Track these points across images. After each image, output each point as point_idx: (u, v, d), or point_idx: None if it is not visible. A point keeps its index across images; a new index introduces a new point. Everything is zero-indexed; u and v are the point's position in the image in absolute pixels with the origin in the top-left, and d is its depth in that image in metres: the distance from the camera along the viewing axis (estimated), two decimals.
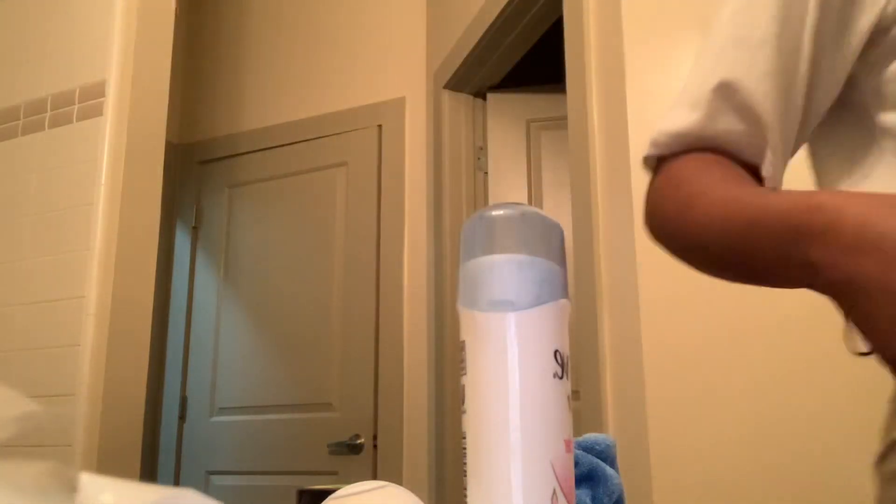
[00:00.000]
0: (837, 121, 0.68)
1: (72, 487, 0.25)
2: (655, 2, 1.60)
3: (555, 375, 0.39)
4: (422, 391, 2.62)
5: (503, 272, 0.39)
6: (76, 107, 2.10)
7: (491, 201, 2.61)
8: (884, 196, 0.47)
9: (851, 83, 0.67)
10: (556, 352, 0.39)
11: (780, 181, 0.66)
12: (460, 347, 0.41)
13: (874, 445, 1.19)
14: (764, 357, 1.39)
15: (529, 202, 2.59)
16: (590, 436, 0.51)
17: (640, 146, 1.55)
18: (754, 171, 0.65)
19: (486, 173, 2.66)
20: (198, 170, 3.23)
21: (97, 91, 2.07)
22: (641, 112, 1.56)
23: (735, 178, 0.62)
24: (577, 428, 1.78)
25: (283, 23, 3.20)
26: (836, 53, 0.65)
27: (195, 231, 3.17)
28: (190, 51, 3.37)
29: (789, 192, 0.53)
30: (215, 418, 2.96)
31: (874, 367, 1.33)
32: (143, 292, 2.06)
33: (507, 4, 2.20)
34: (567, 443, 0.39)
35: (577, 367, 1.67)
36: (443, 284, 2.57)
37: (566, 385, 0.40)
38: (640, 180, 1.52)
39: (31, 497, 0.24)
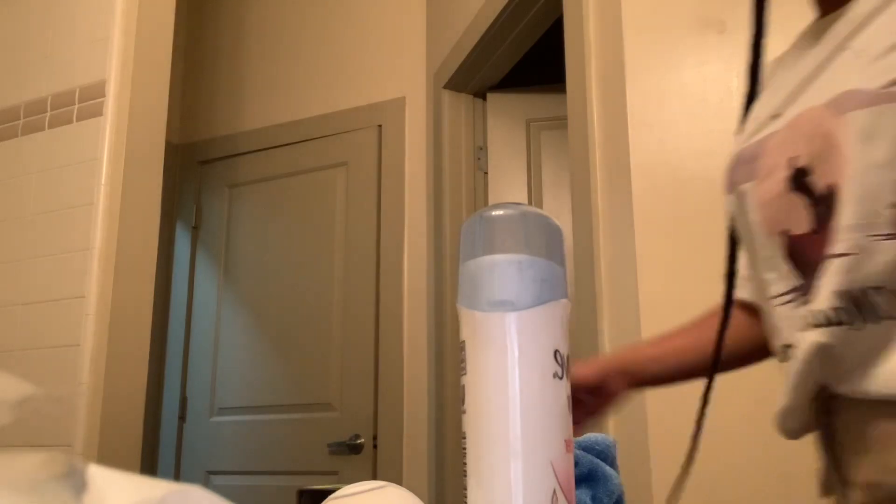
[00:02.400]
0: None
1: (65, 477, 0.25)
2: (655, 2, 1.60)
3: (555, 375, 0.39)
4: (422, 391, 2.62)
5: (503, 272, 0.39)
6: (76, 107, 2.10)
7: (491, 201, 2.61)
8: None
9: None
10: (556, 352, 0.39)
11: None
12: (460, 347, 0.41)
13: None
14: None
15: (529, 202, 2.59)
16: (590, 436, 0.51)
17: (640, 146, 1.55)
18: None
19: (486, 173, 2.66)
20: (198, 170, 3.23)
21: (97, 91, 2.07)
22: (641, 112, 1.56)
23: None
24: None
25: (282, 23, 3.20)
26: None
27: (195, 231, 3.17)
28: (190, 51, 3.37)
29: None
30: (215, 418, 2.96)
31: None
32: (143, 292, 2.06)
33: (507, 4, 2.20)
34: (567, 443, 0.39)
35: None
36: (443, 284, 2.57)
37: (566, 385, 0.40)
38: (640, 180, 1.52)
39: (25, 492, 0.24)
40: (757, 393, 1.39)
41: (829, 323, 0.68)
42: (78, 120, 2.09)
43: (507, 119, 2.66)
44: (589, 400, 0.96)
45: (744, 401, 1.39)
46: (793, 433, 0.76)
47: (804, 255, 0.71)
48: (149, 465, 2.97)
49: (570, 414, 0.40)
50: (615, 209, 1.59)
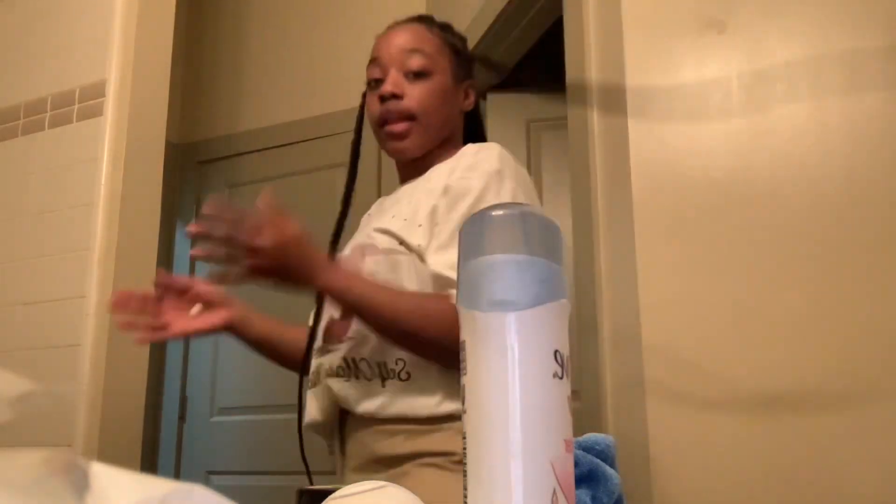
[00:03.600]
0: None
1: (67, 475, 0.25)
2: (655, 2, 1.60)
3: (555, 375, 0.39)
4: None
5: (503, 272, 0.39)
6: (76, 107, 2.10)
7: None
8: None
9: None
10: (556, 352, 0.39)
11: None
12: (460, 347, 0.41)
13: (877, 445, 1.18)
14: (764, 357, 1.39)
15: None
16: (590, 436, 0.51)
17: (640, 146, 1.55)
18: None
19: None
20: (198, 170, 3.23)
21: (97, 91, 2.07)
22: (641, 112, 1.56)
23: None
24: (577, 428, 1.77)
25: (283, 22, 3.20)
26: None
27: None
28: (190, 51, 3.37)
29: None
30: (215, 418, 2.96)
31: (876, 370, 1.33)
32: None
33: (507, 4, 2.20)
34: (567, 443, 0.39)
35: (577, 367, 1.67)
36: None
37: (566, 385, 0.40)
38: (640, 180, 1.52)
39: (26, 489, 0.24)
40: (757, 393, 1.39)
41: (337, 375, 1.19)
42: (78, 120, 2.09)
43: (507, 119, 2.66)
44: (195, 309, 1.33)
45: (744, 401, 1.39)
46: (326, 438, 1.29)
47: (331, 331, 1.23)
48: (149, 465, 2.97)
49: (570, 414, 0.40)
50: (615, 209, 1.60)
